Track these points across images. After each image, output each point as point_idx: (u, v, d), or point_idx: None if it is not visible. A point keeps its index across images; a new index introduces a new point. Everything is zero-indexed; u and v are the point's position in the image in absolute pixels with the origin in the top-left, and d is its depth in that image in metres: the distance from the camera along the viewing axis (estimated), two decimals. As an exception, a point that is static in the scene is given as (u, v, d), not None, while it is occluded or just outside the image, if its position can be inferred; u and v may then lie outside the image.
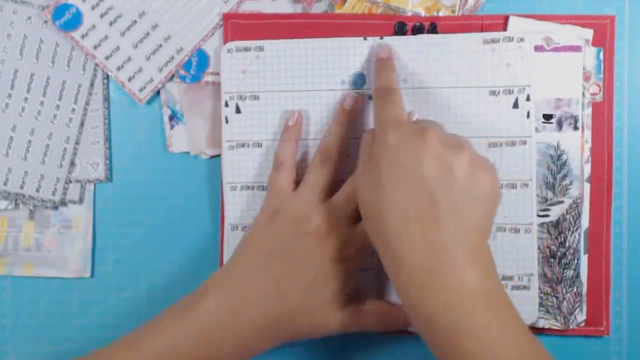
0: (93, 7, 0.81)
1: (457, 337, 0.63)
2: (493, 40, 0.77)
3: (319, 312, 0.74)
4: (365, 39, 0.79)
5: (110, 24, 0.81)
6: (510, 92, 0.76)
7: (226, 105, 0.80)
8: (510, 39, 0.77)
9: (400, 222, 0.66)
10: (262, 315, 0.72)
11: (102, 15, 0.81)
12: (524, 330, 0.65)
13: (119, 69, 0.82)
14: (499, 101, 0.77)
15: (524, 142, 0.76)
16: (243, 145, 0.80)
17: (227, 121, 0.80)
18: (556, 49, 0.77)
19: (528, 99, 0.76)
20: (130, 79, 0.82)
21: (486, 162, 0.69)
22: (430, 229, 0.65)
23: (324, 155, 0.76)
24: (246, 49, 0.80)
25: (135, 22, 0.81)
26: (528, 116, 0.76)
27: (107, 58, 0.82)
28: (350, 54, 0.79)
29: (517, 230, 0.77)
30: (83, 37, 0.82)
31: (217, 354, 0.72)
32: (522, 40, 0.76)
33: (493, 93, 0.77)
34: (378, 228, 0.68)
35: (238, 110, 0.80)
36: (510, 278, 0.77)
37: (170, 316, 0.73)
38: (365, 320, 0.76)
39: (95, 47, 0.82)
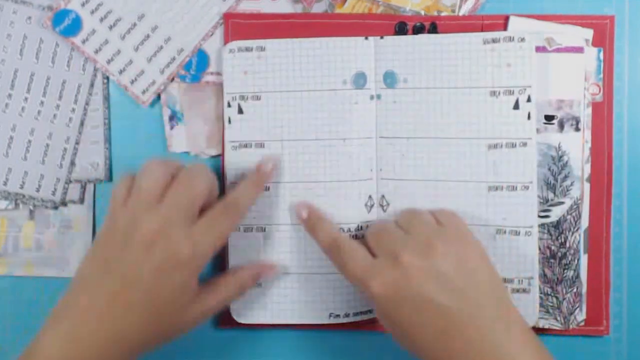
0: (92, 12, 0.81)
1: None
2: (494, 40, 0.77)
3: (168, 316, 0.71)
4: (366, 38, 0.79)
5: (110, 27, 0.81)
6: (511, 92, 0.76)
7: (228, 105, 0.80)
8: (511, 39, 0.77)
9: (430, 342, 0.69)
10: (107, 334, 0.69)
11: (101, 20, 0.81)
12: None
13: (121, 72, 0.82)
14: (500, 102, 0.76)
15: (525, 144, 0.76)
16: (246, 146, 0.80)
17: (229, 122, 0.80)
18: (558, 50, 0.77)
19: (529, 100, 0.76)
20: (132, 82, 0.82)
21: (460, 240, 0.72)
22: (461, 337, 0.68)
23: (230, 206, 0.74)
24: (248, 49, 0.80)
25: (134, 24, 0.81)
26: (529, 117, 0.76)
27: (108, 62, 0.82)
28: (352, 53, 0.79)
29: (517, 233, 0.77)
30: (84, 42, 0.81)
31: None
32: (522, 40, 0.76)
33: (493, 94, 0.77)
34: (408, 345, 0.71)
35: (240, 111, 0.80)
36: (511, 281, 0.78)
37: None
38: (220, 297, 0.75)
39: (96, 52, 0.82)
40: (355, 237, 0.79)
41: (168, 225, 0.70)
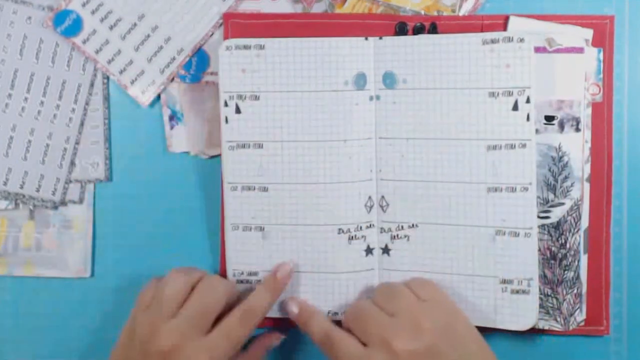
0: (93, 12, 0.81)
1: None
2: (492, 41, 0.77)
3: None
4: (366, 39, 0.79)
5: (111, 27, 0.81)
6: (510, 93, 0.76)
7: (225, 105, 0.80)
8: (510, 40, 0.76)
9: None
10: None
11: (102, 20, 0.81)
12: None
13: (121, 72, 0.82)
14: (499, 103, 0.76)
15: (524, 146, 0.76)
16: (243, 146, 0.80)
17: (227, 121, 0.80)
18: (558, 51, 0.77)
19: (528, 101, 0.76)
20: (132, 82, 0.82)
21: (444, 312, 0.74)
22: None
23: (247, 314, 0.76)
24: (246, 47, 0.80)
25: (135, 24, 0.81)
26: (528, 119, 0.76)
27: (109, 62, 0.82)
28: (353, 54, 0.79)
29: (516, 234, 0.77)
30: (84, 42, 0.82)
31: None
32: (522, 40, 0.76)
33: (492, 95, 0.76)
34: None
35: (238, 110, 0.80)
36: (510, 282, 0.77)
37: None
38: None
39: (97, 52, 0.82)
40: (355, 237, 0.79)
41: (183, 338, 0.72)
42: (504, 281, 0.77)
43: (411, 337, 0.70)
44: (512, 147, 0.76)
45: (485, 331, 0.77)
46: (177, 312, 0.74)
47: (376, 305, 0.74)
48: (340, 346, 0.73)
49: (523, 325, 0.78)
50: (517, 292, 0.77)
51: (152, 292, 0.76)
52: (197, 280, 0.76)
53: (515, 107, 0.76)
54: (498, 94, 0.76)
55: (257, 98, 0.80)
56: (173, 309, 0.74)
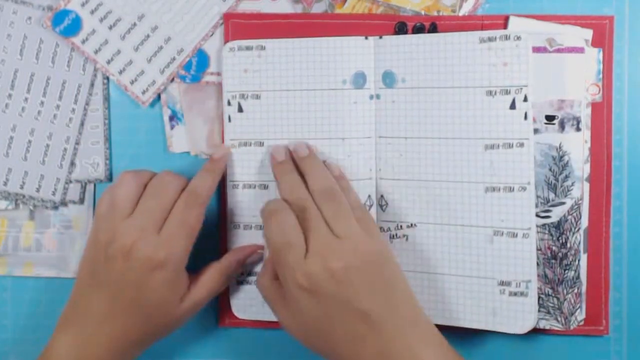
0: (92, 12, 0.81)
1: None
2: (490, 39, 0.76)
3: (162, 312, 0.76)
4: (366, 38, 0.79)
5: (110, 27, 0.82)
6: (507, 92, 0.76)
7: (228, 104, 0.80)
8: (507, 38, 0.76)
9: (344, 344, 0.70)
10: (110, 334, 0.74)
11: (101, 20, 0.81)
12: None
13: (120, 72, 0.82)
14: (496, 102, 0.76)
15: (522, 144, 0.76)
16: (245, 144, 0.80)
17: (229, 120, 0.80)
18: (559, 50, 0.77)
19: (525, 99, 0.75)
20: (132, 82, 0.82)
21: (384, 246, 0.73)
22: (375, 342, 0.69)
23: (191, 197, 0.76)
24: (248, 48, 0.80)
25: (134, 24, 0.82)
26: (525, 117, 0.75)
27: (108, 62, 0.82)
28: (352, 53, 0.79)
29: (514, 235, 0.76)
30: (83, 42, 0.82)
31: None
32: (519, 38, 0.76)
33: (490, 93, 0.76)
34: (327, 354, 0.72)
35: (240, 109, 0.80)
36: (508, 284, 0.77)
37: None
38: (208, 287, 0.78)
39: (96, 52, 0.82)
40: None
41: (141, 234, 0.73)
42: (502, 283, 0.77)
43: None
44: (510, 146, 0.76)
45: (484, 330, 0.78)
46: (133, 212, 0.75)
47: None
48: (315, 223, 0.72)
49: (521, 328, 0.77)
50: (516, 294, 0.76)
51: (107, 199, 0.76)
52: (149, 179, 0.77)
53: (512, 106, 0.76)
54: (495, 92, 0.76)
55: (258, 97, 0.80)
56: (128, 208, 0.75)
